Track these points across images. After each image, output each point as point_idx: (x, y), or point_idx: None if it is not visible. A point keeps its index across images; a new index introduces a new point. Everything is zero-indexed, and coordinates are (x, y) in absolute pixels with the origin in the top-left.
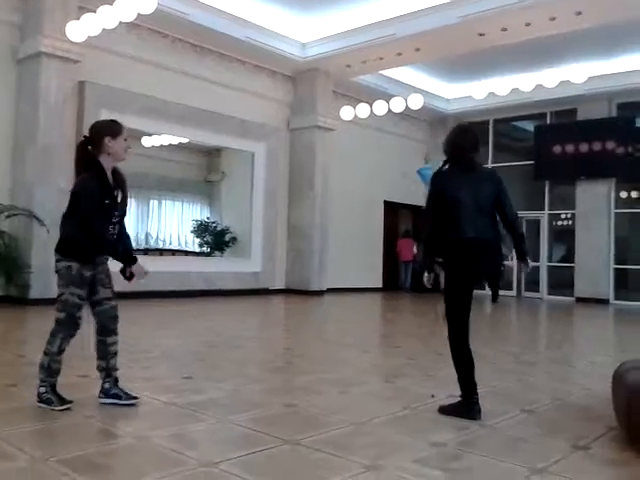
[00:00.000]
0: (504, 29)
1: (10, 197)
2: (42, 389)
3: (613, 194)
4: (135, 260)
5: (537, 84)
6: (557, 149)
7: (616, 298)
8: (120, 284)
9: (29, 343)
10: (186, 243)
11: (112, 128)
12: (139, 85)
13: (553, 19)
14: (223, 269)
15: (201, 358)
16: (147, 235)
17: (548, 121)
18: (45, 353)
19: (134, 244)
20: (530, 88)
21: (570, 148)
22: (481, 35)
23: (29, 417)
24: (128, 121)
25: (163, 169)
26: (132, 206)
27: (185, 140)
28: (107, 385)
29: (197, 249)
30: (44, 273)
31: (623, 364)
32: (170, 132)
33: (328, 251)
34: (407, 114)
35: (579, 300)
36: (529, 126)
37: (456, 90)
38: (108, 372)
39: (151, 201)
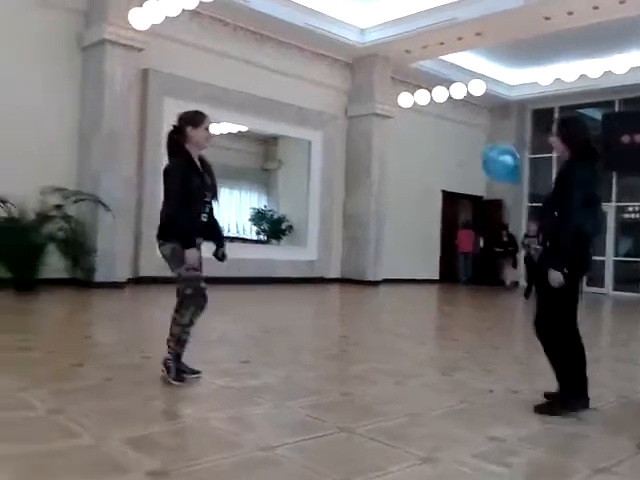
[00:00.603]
0: (570, 12)
1: (77, 183)
2: (168, 356)
3: None
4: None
5: (605, 70)
6: (626, 139)
7: None
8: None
9: (95, 325)
10: (244, 231)
11: (194, 118)
12: (200, 73)
13: (622, 2)
14: (279, 257)
15: (257, 343)
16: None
17: (616, 109)
18: (176, 324)
19: None
20: (598, 74)
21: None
22: (547, 19)
23: (94, 396)
24: (190, 109)
25: (222, 157)
26: None
27: (244, 128)
28: (169, 356)
29: (254, 237)
30: (109, 257)
31: None
32: (230, 120)
33: (384, 241)
34: (467, 100)
35: None
36: (596, 114)
37: (519, 76)
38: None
39: None
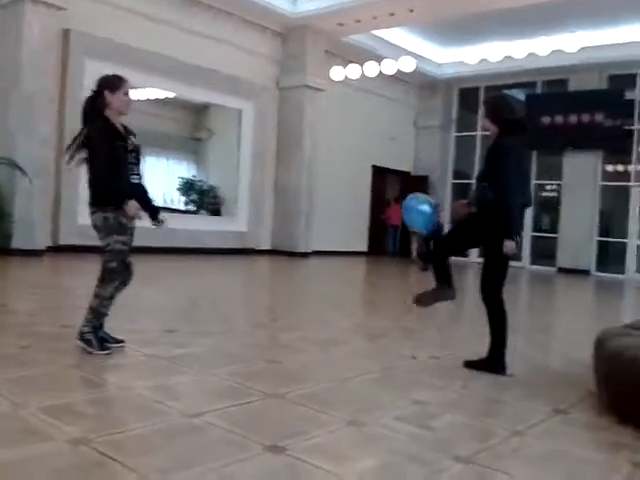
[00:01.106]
0: None
1: None
2: (85, 329)
3: (600, 167)
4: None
5: (530, 52)
6: (546, 119)
7: (597, 269)
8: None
9: (10, 293)
10: (172, 201)
11: (112, 82)
12: (125, 36)
13: None
14: (208, 228)
15: (184, 313)
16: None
17: (539, 90)
18: (96, 296)
19: None
20: (522, 55)
21: (559, 119)
22: None
23: (10, 364)
24: (112, 72)
25: (148, 124)
26: None
27: (171, 95)
28: (85, 329)
29: (182, 207)
30: (26, 223)
31: (604, 331)
32: (156, 85)
33: (315, 213)
34: (398, 77)
35: (561, 270)
36: (520, 95)
37: (448, 55)
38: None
39: None
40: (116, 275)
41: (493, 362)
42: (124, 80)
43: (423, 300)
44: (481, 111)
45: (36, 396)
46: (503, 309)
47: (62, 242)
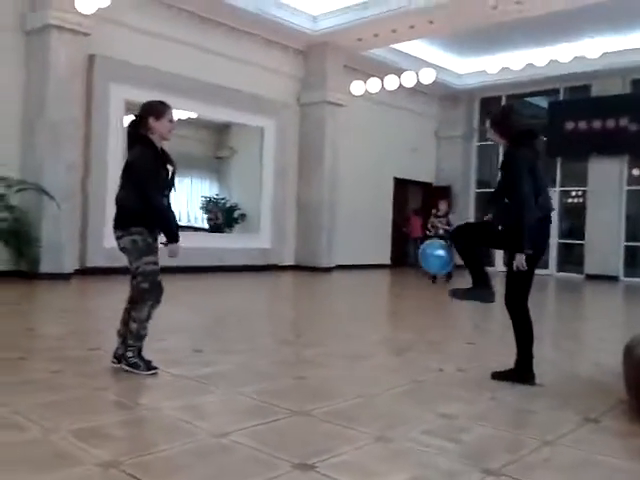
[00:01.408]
0: (518, 2)
1: (20, 172)
2: (129, 354)
3: (625, 171)
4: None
5: (551, 59)
6: (570, 125)
7: (625, 275)
8: (125, 260)
9: (38, 317)
10: (195, 219)
11: (157, 109)
12: (148, 58)
13: None
14: (232, 245)
15: (210, 332)
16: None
17: (562, 97)
18: (134, 320)
19: None
20: (544, 63)
21: (583, 125)
22: (494, 8)
23: (41, 389)
24: (138, 95)
25: (172, 145)
26: None
27: (194, 115)
28: (120, 351)
29: (206, 226)
30: (54, 248)
31: (633, 338)
32: (179, 106)
33: (337, 228)
34: (418, 89)
35: (589, 277)
36: (542, 102)
37: (468, 65)
38: (124, 338)
39: None
40: (148, 295)
41: (521, 372)
42: (168, 107)
43: (458, 294)
44: (487, 123)
45: (66, 420)
46: (528, 319)
47: (89, 264)
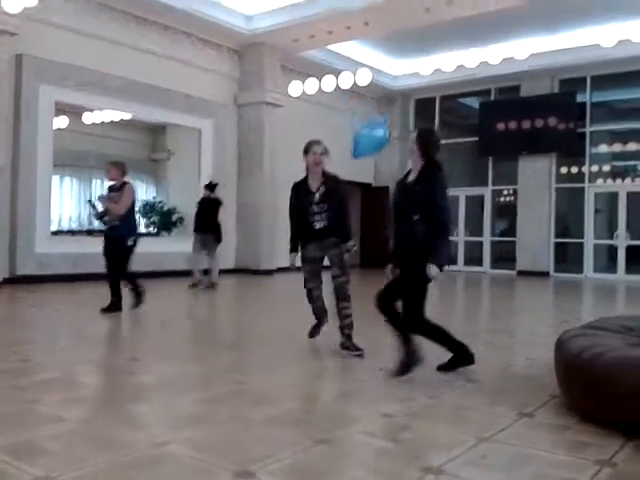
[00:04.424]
0: (450, 3)
1: None
2: (348, 340)
3: (554, 169)
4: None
5: (482, 61)
6: (500, 126)
7: (555, 270)
8: (57, 267)
9: None
10: None
11: (305, 147)
12: (79, 58)
13: None
14: (170, 249)
15: (149, 339)
16: (90, 215)
17: (492, 98)
18: (348, 316)
19: (76, 225)
20: (475, 64)
21: (513, 124)
22: (427, 10)
23: None
24: (67, 96)
25: (105, 147)
26: (73, 186)
27: (128, 116)
28: (342, 339)
29: (144, 230)
30: None
31: (564, 333)
32: (112, 107)
33: (279, 229)
34: (355, 91)
35: (521, 273)
36: (474, 103)
37: (403, 66)
38: (342, 330)
39: (93, 180)
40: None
41: (462, 356)
42: (311, 143)
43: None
44: (414, 136)
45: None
46: (432, 324)
47: (19, 272)
